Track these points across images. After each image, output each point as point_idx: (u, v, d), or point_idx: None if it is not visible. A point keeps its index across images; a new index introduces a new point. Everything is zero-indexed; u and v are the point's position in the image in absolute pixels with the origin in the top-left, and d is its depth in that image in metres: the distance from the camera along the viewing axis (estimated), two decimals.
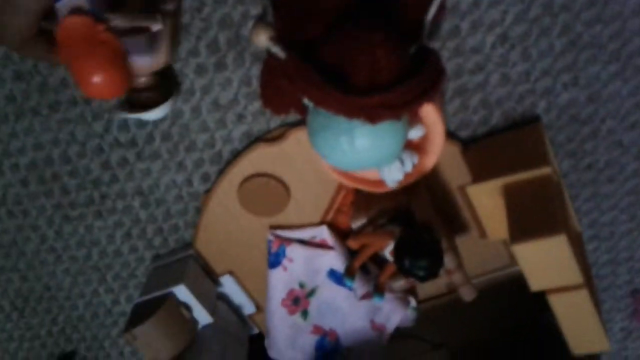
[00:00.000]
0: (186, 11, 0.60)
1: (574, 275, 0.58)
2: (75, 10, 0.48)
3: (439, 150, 0.61)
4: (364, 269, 0.76)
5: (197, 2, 0.60)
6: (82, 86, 0.49)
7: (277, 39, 0.56)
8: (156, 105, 0.61)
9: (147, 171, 0.73)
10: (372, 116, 0.48)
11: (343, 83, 0.49)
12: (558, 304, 0.61)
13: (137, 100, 0.61)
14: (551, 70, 0.65)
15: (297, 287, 0.79)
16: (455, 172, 0.70)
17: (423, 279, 0.60)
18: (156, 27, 0.52)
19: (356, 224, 0.68)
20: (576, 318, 0.63)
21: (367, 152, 0.52)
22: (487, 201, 0.65)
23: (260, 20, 0.56)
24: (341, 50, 0.50)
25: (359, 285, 0.74)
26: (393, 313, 0.77)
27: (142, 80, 0.60)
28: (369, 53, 0.48)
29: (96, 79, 0.48)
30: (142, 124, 0.69)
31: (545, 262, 0.57)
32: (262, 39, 0.56)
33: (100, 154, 0.71)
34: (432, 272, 0.60)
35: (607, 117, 0.70)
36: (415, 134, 0.60)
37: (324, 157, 0.54)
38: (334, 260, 0.76)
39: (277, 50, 0.54)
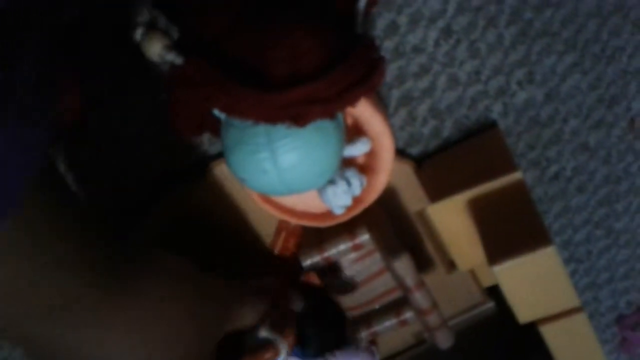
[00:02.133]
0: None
1: (569, 296, 0.48)
2: None
3: (389, 166, 0.52)
4: None
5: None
6: None
7: (174, 45, 0.45)
8: None
9: None
10: (298, 116, 0.38)
11: (258, 80, 0.39)
12: (553, 336, 0.51)
13: None
14: (503, 67, 0.57)
15: None
16: (411, 196, 0.60)
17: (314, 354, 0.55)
18: None
19: (306, 262, 0.56)
20: (575, 350, 0.52)
21: (295, 168, 0.42)
22: (451, 221, 0.55)
23: (152, 28, 0.46)
24: (252, 40, 0.39)
25: None
26: None
27: None
28: (286, 37, 0.38)
29: None
30: None
31: (533, 284, 0.47)
32: (157, 50, 0.46)
33: None
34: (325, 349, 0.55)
35: (569, 116, 0.62)
36: (359, 149, 0.50)
37: (244, 181, 0.43)
38: None
39: (174, 57, 0.44)
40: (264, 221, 0.61)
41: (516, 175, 0.52)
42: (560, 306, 0.49)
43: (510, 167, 0.53)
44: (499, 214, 0.51)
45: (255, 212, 0.60)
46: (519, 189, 0.52)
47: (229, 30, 0.41)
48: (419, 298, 0.54)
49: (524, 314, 0.50)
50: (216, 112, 0.43)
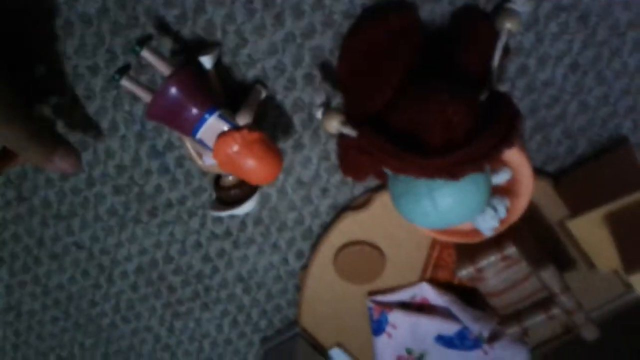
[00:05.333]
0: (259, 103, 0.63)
1: None
2: (221, 133, 0.56)
3: (529, 191, 0.60)
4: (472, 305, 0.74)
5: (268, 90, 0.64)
6: (255, 180, 0.58)
7: (347, 119, 0.57)
8: (245, 199, 0.64)
9: (244, 257, 0.76)
10: (455, 173, 0.48)
11: (419, 146, 0.50)
12: None
13: (227, 198, 0.64)
14: (630, 89, 0.63)
15: (404, 353, 0.77)
16: (551, 208, 0.68)
17: None
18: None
19: (461, 272, 0.66)
20: None
21: (451, 210, 0.52)
22: (590, 233, 0.62)
23: (328, 107, 0.58)
24: (411, 115, 0.50)
25: (472, 323, 0.71)
26: (516, 357, 0.73)
27: (230, 179, 0.63)
28: (440, 113, 0.48)
29: (266, 169, 0.57)
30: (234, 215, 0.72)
31: None
32: (334, 125, 0.57)
33: (199, 249, 0.75)
34: None
35: None
36: (502, 178, 0.59)
37: (410, 221, 0.54)
38: (440, 325, 0.74)
39: (349, 131, 0.56)
40: (418, 240, 0.72)
41: None
42: None
43: None
44: (634, 226, 0.57)
45: (409, 232, 0.71)
46: None
47: (392, 105, 0.52)
48: (564, 301, 0.62)
49: None
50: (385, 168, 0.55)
